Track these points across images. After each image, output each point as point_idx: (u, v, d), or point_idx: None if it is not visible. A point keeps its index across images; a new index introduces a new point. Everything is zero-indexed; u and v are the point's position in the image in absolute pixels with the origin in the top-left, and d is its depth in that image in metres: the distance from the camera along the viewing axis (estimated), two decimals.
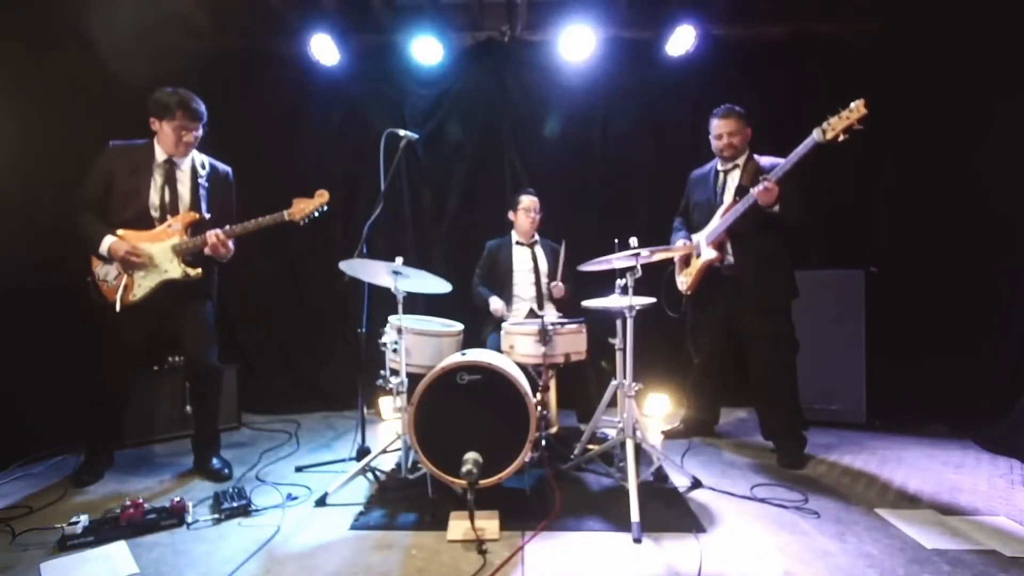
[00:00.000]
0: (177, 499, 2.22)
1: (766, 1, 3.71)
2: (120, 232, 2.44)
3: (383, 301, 2.82)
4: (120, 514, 2.11)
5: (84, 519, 2.07)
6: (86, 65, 3.06)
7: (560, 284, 3.29)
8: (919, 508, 2.29)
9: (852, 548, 1.97)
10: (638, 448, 2.41)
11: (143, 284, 2.47)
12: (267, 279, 4.02)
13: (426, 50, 3.73)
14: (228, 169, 2.75)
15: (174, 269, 2.49)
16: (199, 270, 2.52)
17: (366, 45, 3.94)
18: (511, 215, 3.48)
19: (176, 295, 2.54)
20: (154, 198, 2.50)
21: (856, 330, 3.32)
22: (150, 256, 2.45)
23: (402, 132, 2.83)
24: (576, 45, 3.69)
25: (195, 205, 2.56)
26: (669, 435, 3.26)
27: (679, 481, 2.55)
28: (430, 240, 4.05)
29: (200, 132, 2.54)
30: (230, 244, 2.57)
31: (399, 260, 2.43)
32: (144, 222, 2.49)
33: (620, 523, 2.13)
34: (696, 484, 2.51)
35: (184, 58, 3.56)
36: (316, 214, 2.65)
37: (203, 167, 2.62)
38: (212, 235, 2.49)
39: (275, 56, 3.92)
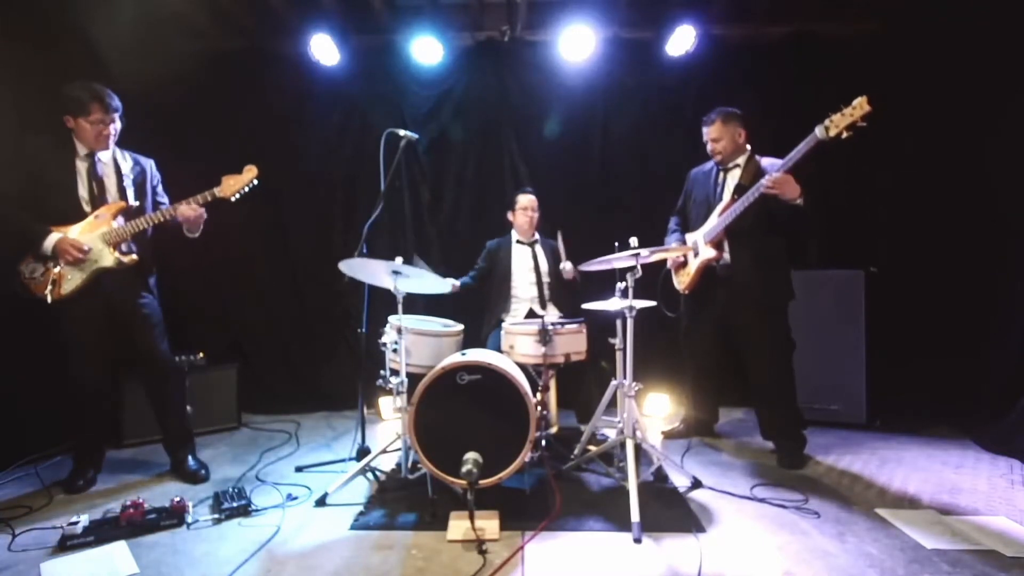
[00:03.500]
0: (177, 499, 2.22)
1: (766, 1, 3.71)
2: (54, 229, 2.43)
3: (383, 301, 2.82)
4: (120, 514, 2.11)
5: (84, 519, 2.07)
6: (86, 65, 3.06)
7: (568, 265, 3.26)
8: (919, 508, 2.29)
9: (852, 548, 1.97)
10: (638, 448, 2.41)
11: (73, 277, 2.44)
12: (267, 279, 4.02)
13: (426, 50, 3.72)
14: (151, 161, 2.76)
15: (106, 258, 2.47)
16: (133, 256, 2.52)
17: (366, 45, 3.94)
18: (510, 215, 3.48)
19: (116, 288, 2.52)
20: (83, 192, 2.50)
21: (856, 330, 3.32)
22: (91, 248, 2.45)
23: (402, 132, 2.83)
24: (576, 45, 3.68)
25: (122, 195, 2.57)
26: (669, 435, 3.26)
27: (679, 481, 2.55)
28: (430, 240, 4.05)
29: (118, 124, 2.54)
30: (202, 212, 2.59)
31: (399, 260, 2.43)
32: (76, 215, 2.48)
33: (620, 523, 2.13)
34: (696, 484, 2.51)
35: (184, 58, 3.57)
36: (246, 189, 2.67)
37: (125, 160, 2.63)
38: (186, 207, 2.53)
39: (275, 56, 3.92)
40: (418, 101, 3.98)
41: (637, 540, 2.02)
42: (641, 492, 2.20)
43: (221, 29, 3.81)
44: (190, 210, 2.55)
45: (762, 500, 2.36)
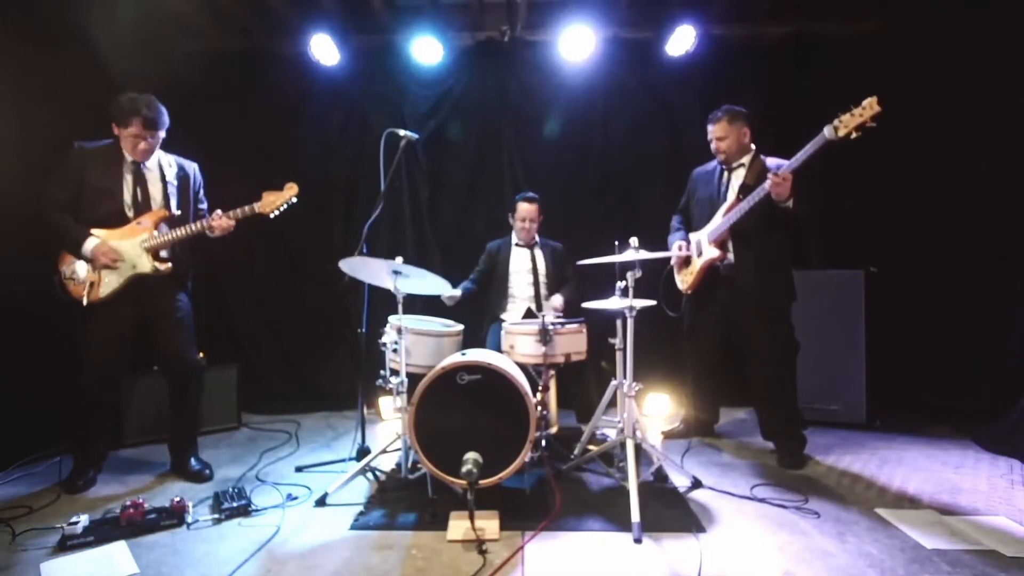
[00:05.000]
0: (177, 499, 2.22)
1: (766, 1, 3.71)
2: (95, 231, 2.48)
3: (383, 301, 2.82)
4: (120, 514, 2.11)
5: (84, 519, 2.07)
6: (86, 65, 3.06)
7: (560, 299, 3.27)
8: (919, 508, 2.29)
9: (852, 548, 1.97)
10: (638, 448, 2.41)
11: (110, 281, 2.49)
12: (267, 279, 4.02)
13: (426, 50, 3.72)
14: (194, 165, 2.79)
15: (143, 264, 2.52)
16: (168, 265, 2.57)
17: (366, 45, 3.94)
18: (511, 219, 3.47)
19: (151, 292, 2.56)
20: (127, 197, 2.54)
21: (856, 330, 3.31)
22: (125, 257, 2.49)
23: (402, 132, 2.83)
24: (576, 45, 3.68)
25: (165, 203, 2.61)
26: (669, 435, 3.26)
27: (679, 481, 2.55)
28: (429, 240, 4.05)
29: (158, 138, 2.57)
30: (232, 224, 2.64)
31: (399, 259, 2.43)
32: (118, 220, 2.52)
33: (620, 523, 2.13)
34: (696, 484, 2.51)
35: (184, 58, 3.57)
36: (285, 206, 2.72)
37: (170, 166, 2.66)
38: (218, 223, 2.59)
39: (275, 56, 3.93)
40: (418, 101, 3.98)
41: (637, 540, 2.02)
42: (641, 492, 2.20)
43: (221, 29, 3.81)
44: (224, 222, 2.61)
45: (762, 500, 2.36)
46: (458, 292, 3.23)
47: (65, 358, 2.62)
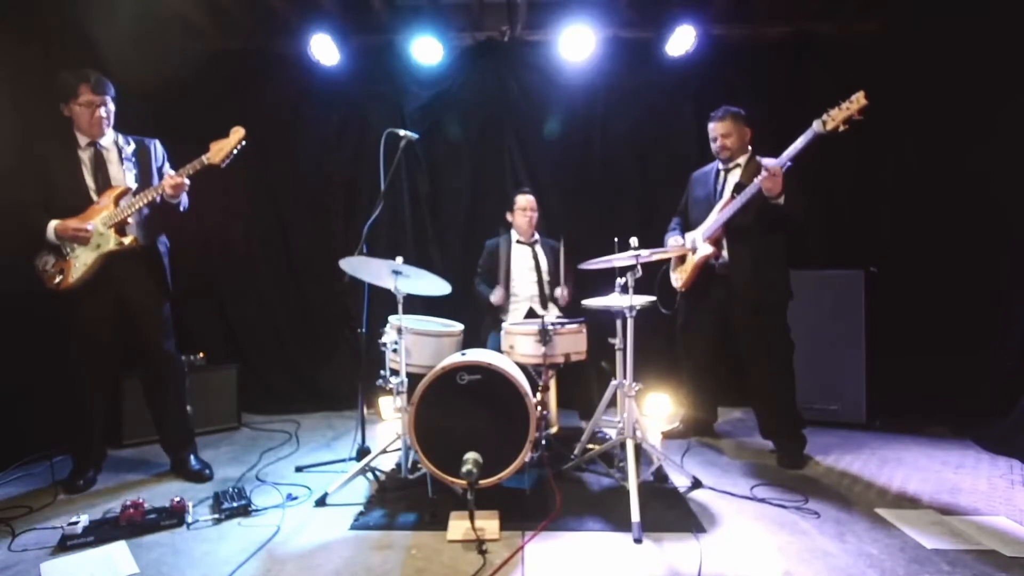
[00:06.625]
0: (177, 499, 2.22)
1: (766, 1, 3.71)
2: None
3: (383, 301, 2.82)
4: (120, 514, 2.11)
5: (84, 519, 2.07)
6: (86, 65, 3.05)
7: (564, 290, 3.28)
8: (919, 508, 2.29)
9: (852, 548, 1.97)
10: (638, 448, 2.41)
11: (78, 264, 2.48)
12: (267, 279, 4.02)
13: (426, 50, 3.72)
14: (155, 141, 2.75)
15: (106, 241, 2.50)
16: (132, 238, 2.54)
17: (366, 45, 3.94)
18: (509, 216, 3.49)
19: (124, 276, 2.55)
20: (90, 181, 2.53)
21: (856, 330, 3.32)
22: (94, 229, 2.47)
23: (402, 132, 2.83)
24: (576, 45, 3.68)
25: (125, 180, 2.58)
26: (669, 435, 3.26)
27: (679, 481, 2.55)
28: (429, 240, 4.05)
29: (110, 107, 2.53)
30: (182, 180, 2.55)
31: (399, 259, 2.43)
32: (86, 206, 2.51)
33: (620, 523, 2.13)
34: (696, 484, 2.51)
35: (184, 58, 3.56)
36: (235, 152, 2.64)
37: (128, 143, 2.64)
38: (168, 181, 2.53)
39: (275, 56, 3.92)
40: (418, 101, 3.98)
41: (637, 540, 2.02)
42: (641, 492, 2.20)
43: (221, 29, 3.81)
44: (175, 180, 2.53)
45: (762, 500, 2.36)
46: (501, 292, 3.27)
47: (63, 358, 2.62)
